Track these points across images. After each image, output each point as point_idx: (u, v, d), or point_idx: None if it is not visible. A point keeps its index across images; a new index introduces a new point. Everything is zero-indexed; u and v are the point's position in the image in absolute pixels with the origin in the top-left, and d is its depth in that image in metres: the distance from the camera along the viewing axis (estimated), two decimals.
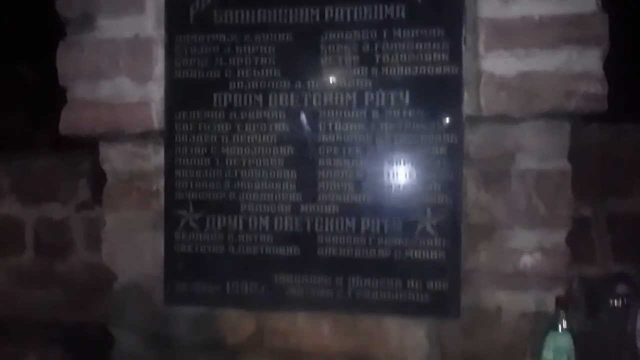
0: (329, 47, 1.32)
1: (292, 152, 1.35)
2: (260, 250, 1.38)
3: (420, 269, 1.32)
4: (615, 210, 1.65)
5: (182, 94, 1.39)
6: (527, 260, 1.31)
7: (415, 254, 1.32)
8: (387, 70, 1.30)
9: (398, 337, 1.37)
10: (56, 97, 1.46)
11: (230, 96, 1.36)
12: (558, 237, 1.30)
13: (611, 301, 1.44)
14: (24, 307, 2.07)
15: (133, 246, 1.46)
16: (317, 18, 1.34)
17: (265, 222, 1.37)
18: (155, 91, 1.40)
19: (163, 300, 1.44)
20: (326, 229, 1.35)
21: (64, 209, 2.08)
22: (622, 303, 1.43)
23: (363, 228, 1.34)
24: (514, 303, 1.32)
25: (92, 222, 1.97)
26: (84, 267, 2.04)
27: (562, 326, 1.24)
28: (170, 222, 1.41)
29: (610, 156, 1.65)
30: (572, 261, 1.52)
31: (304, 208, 1.36)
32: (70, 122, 1.42)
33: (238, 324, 1.43)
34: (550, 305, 1.28)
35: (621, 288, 1.44)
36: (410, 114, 1.30)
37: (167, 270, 1.42)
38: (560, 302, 1.25)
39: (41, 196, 2.10)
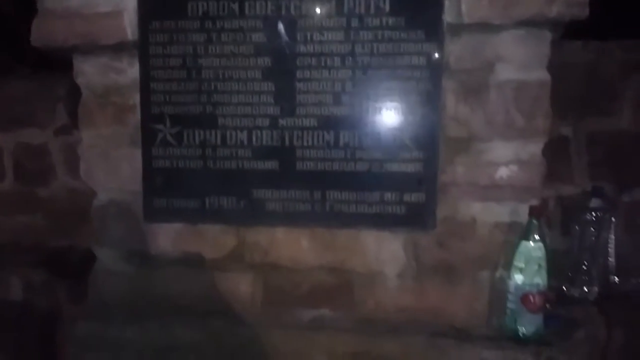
0: None
1: (269, 63, 1.32)
2: (239, 165, 1.37)
3: (398, 181, 1.33)
4: (595, 129, 1.65)
5: (155, 3, 1.33)
6: (503, 172, 1.31)
7: (393, 167, 1.33)
8: None
9: (375, 249, 1.39)
10: None
11: (205, 4, 1.31)
12: (534, 148, 1.30)
13: (584, 215, 1.47)
14: (7, 233, 2.07)
15: (111, 162, 1.45)
16: None
17: (244, 136, 1.36)
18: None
19: (143, 217, 1.44)
20: (305, 142, 1.34)
21: (42, 134, 2.05)
22: (596, 216, 1.46)
23: (341, 141, 1.33)
24: (489, 214, 1.34)
25: (71, 146, 1.94)
26: (66, 192, 2.03)
27: (534, 236, 1.27)
28: (147, 137, 1.39)
29: (593, 75, 1.64)
30: (550, 180, 1.55)
31: (282, 122, 1.34)
32: (42, 33, 1.37)
33: (218, 239, 1.44)
34: (524, 216, 1.31)
35: (595, 202, 1.47)
36: (390, 22, 1.27)
37: (145, 186, 1.42)
38: (533, 212, 1.28)
39: (18, 122, 2.06)
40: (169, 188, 1.40)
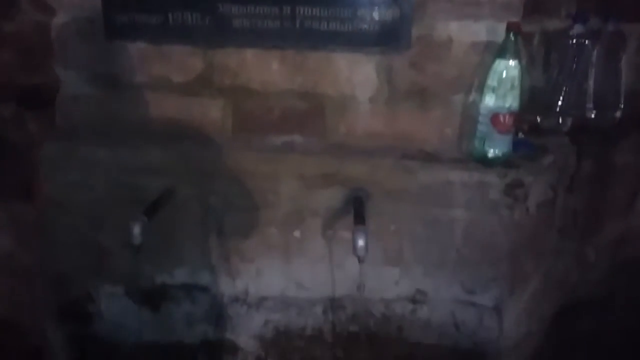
0: None
1: None
2: None
3: None
4: None
5: None
6: None
7: None
8: None
9: (347, 72, 1.35)
10: None
11: None
12: None
13: (565, 42, 1.41)
14: None
15: None
16: None
17: None
18: None
19: (104, 35, 1.37)
20: None
21: None
22: (576, 44, 1.41)
23: None
24: (466, 33, 1.28)
25: None
26: (32, 26, 1.92)
27: (510, 54, 1.22)
28: None
29: None
30: (536, 14, 1.47)
31: None
32: None
33: (185, 61, 1.39)
34: (502, 36, 1.25)
35: (577, 28, 1.40)
36: None
37: (104, 0, 1.33)
38: (511, 28, 1.22)
39: None
40: (128, 2, 1.32)
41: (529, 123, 1.45)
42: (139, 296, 1.55)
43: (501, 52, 1.22)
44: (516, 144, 1.33)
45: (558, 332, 1.57)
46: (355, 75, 1.35)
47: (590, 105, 1.46)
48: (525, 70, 1.27)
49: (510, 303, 1.42)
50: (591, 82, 1.45)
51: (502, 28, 1.24)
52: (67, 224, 1.47)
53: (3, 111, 1.83)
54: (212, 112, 1.43)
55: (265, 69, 1.37)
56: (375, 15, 1.26)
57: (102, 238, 1.48)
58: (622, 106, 1.48)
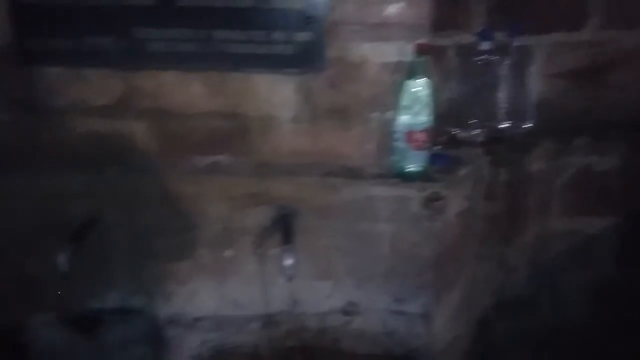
0: None
1: None
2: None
3: (285, 19, 1.28)
4: None
5: None
6: (391, 9, 1.28)
7: (280, 4, 1.27)
8: None
9: (266, 93, 1.36)
10: None
11: None
12: None
13: (475, 59, 1.48)
14: None
15: None
16: None
17: None
18: None
19: (17, 61, 1.34)
20: None
21: None
22: (485, 60, 1.48)
23: None
24: (377, 54, 1.31)
25: None
26: None
27: (419, 73, 1.27)
28: None
29: None
30: (450, 29, 1.53)
31: None
32: None
33: (104, 84, 1.37)
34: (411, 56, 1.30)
35: (484, 45, 1.47)
36: None
37: (17, 26, 1.31)
38: (419, 48, 1.27)
39: None
40: (41, 27, 1.30)
41: (446, 135, 1.51)
42: (71, 323, 1.52)
43: (410, 73, 1.27)
44: (433, 157, 1.38)
45: (486, 333, 1.64)
46: (275, 95, 1.36)
47: (502, 116, 1.53)
48: (436, 87, 1.31)
49: (438, 309, 1.47)
50: (502, 95, 1.52)
51: (411, 48, 1.29)
52: None
53: None
54: (135, 134, 1.42)
55: (185, 91, 1.37)
56: (289, 38, 1.29)
57: (30, 267, 1.45)
58: (532, 116, 1.55)
